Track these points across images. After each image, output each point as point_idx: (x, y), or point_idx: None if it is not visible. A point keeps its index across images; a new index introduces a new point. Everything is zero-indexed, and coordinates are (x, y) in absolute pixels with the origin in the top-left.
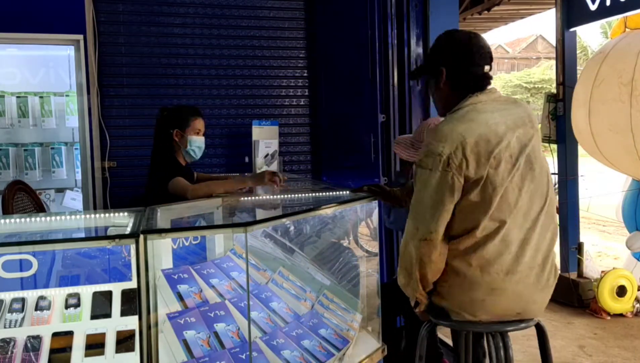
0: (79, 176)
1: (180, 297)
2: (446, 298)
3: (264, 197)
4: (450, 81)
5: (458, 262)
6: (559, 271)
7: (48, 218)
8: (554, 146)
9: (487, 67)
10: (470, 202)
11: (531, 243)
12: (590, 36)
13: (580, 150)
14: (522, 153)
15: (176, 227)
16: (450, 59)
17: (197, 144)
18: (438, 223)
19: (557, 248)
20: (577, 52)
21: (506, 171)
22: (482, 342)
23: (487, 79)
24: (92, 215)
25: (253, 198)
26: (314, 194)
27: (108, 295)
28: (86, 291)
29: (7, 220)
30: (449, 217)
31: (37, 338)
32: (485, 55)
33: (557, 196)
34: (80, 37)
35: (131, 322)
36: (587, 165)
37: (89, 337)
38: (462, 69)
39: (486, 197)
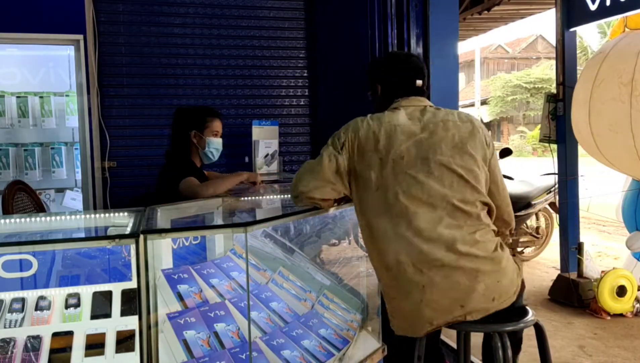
0: (79, 176)
1: (180, 297)
2: (395, 315)
3: (264, 197)
4: (384, 95)
5: (377, 273)
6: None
7: (48, 218)
8: (554, 146)
9: (418, 81)
10: (362, 200)
11: (438, 242)
12: (591, 36)
13: (580, 150)
14: (418, 157)
15: (176, 227)
16: (382, 76)
17: (214, 146)
18: (310, 188)
19: (557, 248)
20: (577, 52)
21: (392, 173)
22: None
23: (417, 92)
24: (92, 215)
25: (253, 198)
26: None
27: (108, 295)
28: (86, 291)
29: (7, 220)
30: (331, 194)
31: (37, 338)
32: (415, 69)
33: (557, 196)
34: (80, 37)
35: (131, 322)
36: (587, 165)
37: (89, 337)
38: (393, 81)
39: (369, 197)
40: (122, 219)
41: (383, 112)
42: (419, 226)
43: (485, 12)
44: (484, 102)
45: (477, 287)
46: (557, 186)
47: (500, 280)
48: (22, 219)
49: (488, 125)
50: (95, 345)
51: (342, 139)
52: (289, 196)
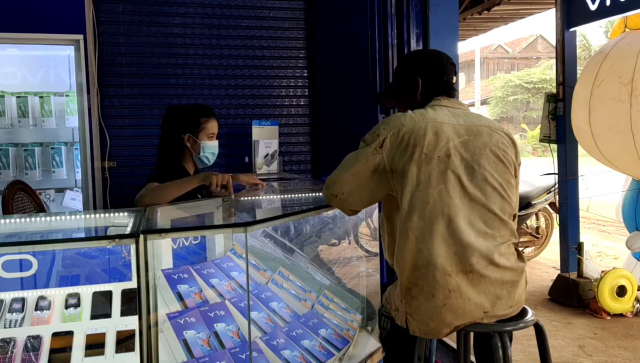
0: (79, 176)
1: (180, 297)
2: (415, 316)
3: (264, 197)
4: (424, 90)
5: (403, 272)
6: (517, 262)
7: (48, 218)
8: (554, 146)
9: (454, 78)
10: (397, 198)
11: (472, 248)
12: (594, 36)
13: (580, 150)
14: (463, 158)
15: (176, 227)
16: (425, 70)
17: (210, 149)
18: (350, 189)
19: (557, 248)
20: (580, 51)
21: (436, 170)
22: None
23: (453, 89)
24: (92, 215)
25: (253, 198)
26: (313, 194)
27: (108, 295)
28: (86, 291)
29: (7, 220)
30: (370, 198)
31: (37, 338)
32: (452, 67)
33: (557, 196)
34: (80, 37)
35: (131, 322)
36: (587, 165)
37: (89, 337)
38: (436, 77)
39: (408, 192)
40: (122, 219)
41: (425, 109)
42: (458, 227)
43: (485, 12)
44: (484, 102)
45: (501, 295)
46: (557, 186)
47: (519, 289)
48: (22, 219)
49: None
50: (95, 345)
51: (383, 135)
52: (289, 196)
